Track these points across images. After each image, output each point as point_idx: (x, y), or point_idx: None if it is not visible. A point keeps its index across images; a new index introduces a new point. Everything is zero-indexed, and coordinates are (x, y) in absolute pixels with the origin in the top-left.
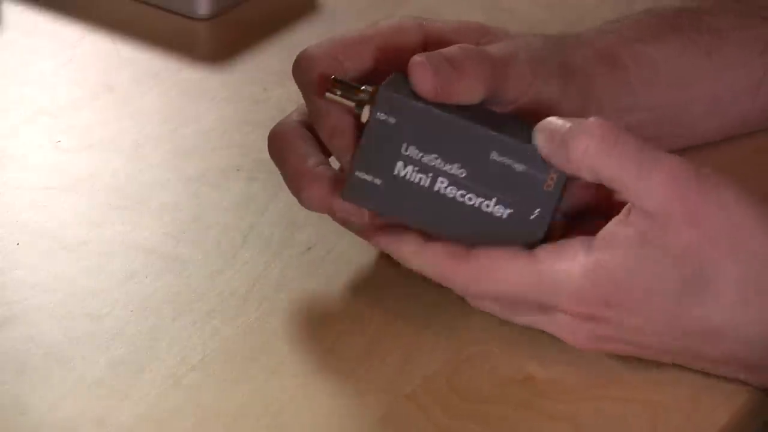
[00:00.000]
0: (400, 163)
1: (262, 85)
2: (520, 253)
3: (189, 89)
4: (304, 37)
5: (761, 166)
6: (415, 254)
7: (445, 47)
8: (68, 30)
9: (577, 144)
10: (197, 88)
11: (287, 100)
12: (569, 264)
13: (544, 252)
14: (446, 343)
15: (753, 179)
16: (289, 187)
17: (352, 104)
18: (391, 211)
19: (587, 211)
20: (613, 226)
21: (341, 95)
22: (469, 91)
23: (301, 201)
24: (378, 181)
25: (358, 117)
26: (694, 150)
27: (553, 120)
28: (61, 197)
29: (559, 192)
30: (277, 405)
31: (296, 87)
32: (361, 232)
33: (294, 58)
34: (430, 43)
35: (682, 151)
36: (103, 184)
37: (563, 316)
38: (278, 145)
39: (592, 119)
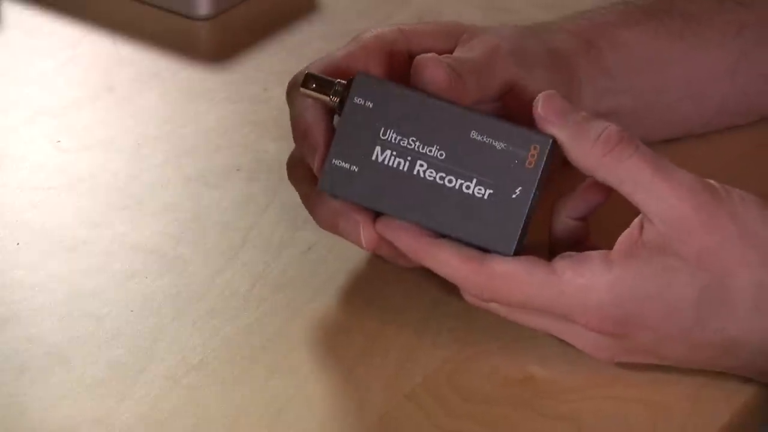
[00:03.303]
0: (378, 149)
1: (262, 85)
2: (538, 264)
3: (189, 89)
4: (304, 37)
5: (764, 161)
6: (426, 252)
7: (427, 50)
8: (68, 30)
9: (597, 149)
10: (197, 88)
11: None
12: (590, 280)
13: (563, 266)
14: (446, 342)
15: (755, 175)
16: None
17: (326, 97)
18: (369, 200)
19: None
20: (628, 238)
21: (315, 89)
22: (470, 90)
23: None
24: (355, 168)
25: (331, 115)
26: (693, 146)
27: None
28: (61, 197)
29: (540, 170)
30: (277, 405)
31: None
32: (362, 233)
33: (294, 58)
34: (412, 47)
35: (677, 143)
36: (103, 184)
37: (583, 329)
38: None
39: (612, 126)
